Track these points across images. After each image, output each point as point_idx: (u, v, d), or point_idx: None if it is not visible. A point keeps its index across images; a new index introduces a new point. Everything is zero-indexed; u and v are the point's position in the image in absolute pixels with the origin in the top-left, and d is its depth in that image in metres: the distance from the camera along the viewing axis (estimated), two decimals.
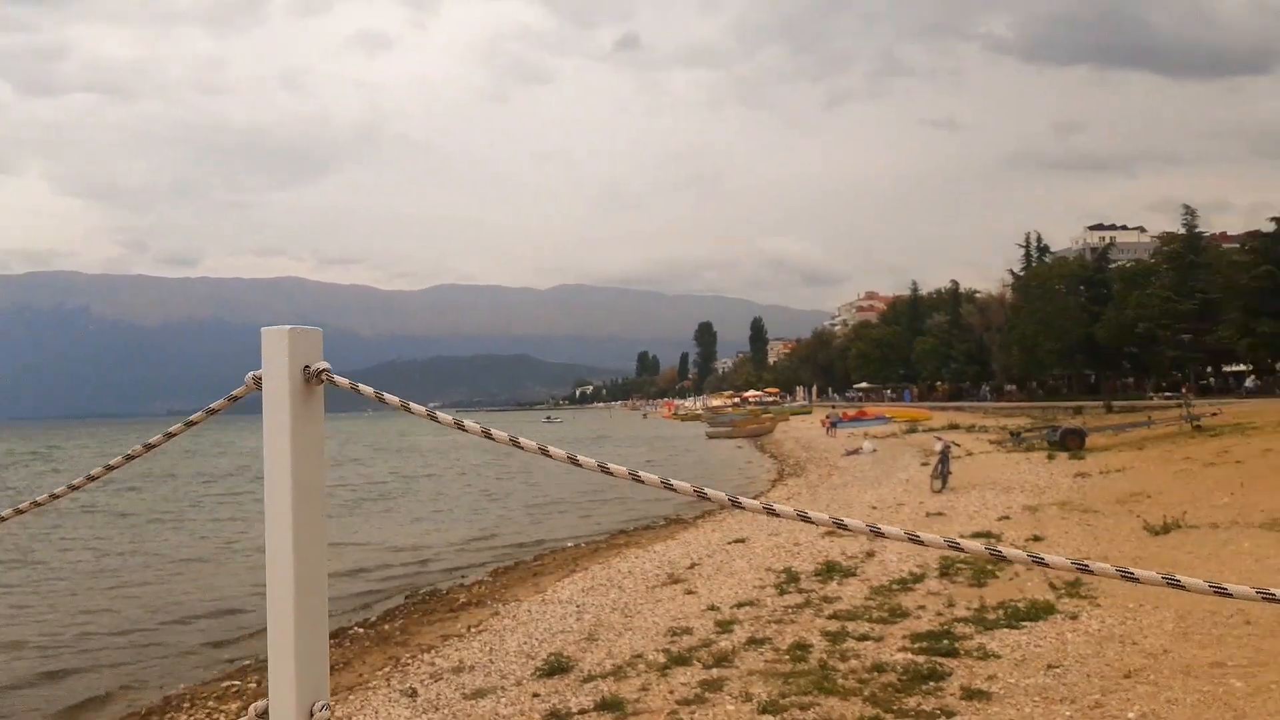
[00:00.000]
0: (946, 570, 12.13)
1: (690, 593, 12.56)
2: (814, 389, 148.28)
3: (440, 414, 1.63)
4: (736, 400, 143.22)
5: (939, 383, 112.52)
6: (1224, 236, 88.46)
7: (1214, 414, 35.08)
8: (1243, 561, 11.31)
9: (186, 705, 10.49)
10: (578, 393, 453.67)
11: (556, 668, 9.24)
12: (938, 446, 24.26)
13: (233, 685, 11.09)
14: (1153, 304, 69.87)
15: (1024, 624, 9.19)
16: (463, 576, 17.91)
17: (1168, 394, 65.13)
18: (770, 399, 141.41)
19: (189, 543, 24.10)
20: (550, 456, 1.52)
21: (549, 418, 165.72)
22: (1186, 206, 74.56)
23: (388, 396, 1.64)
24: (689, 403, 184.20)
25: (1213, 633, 8.24)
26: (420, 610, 14.64)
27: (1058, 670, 7.70)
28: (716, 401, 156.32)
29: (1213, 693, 6.73)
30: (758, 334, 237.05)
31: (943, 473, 23.25)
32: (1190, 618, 8.76)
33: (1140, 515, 15.31)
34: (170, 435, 1.80)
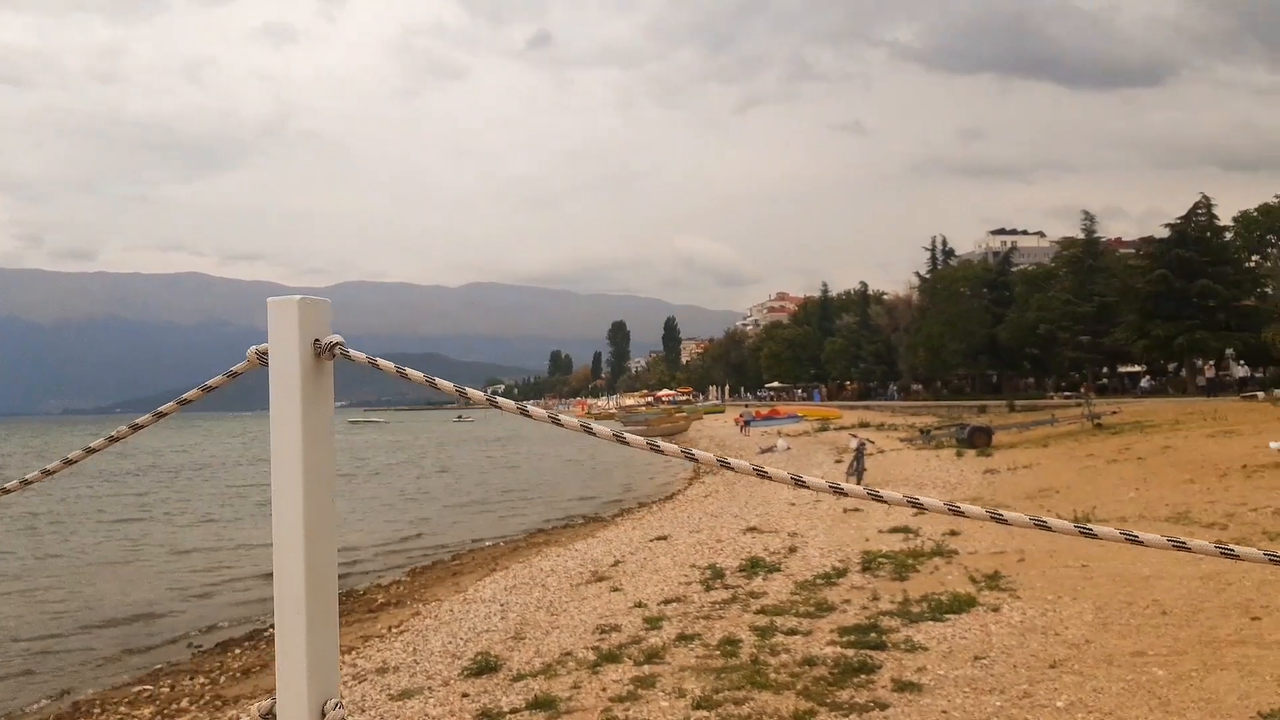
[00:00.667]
0: (869, 565, 12.28)
1: (616, 590, 12.49)
2: (726, 388, 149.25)
3: (472, 390, 1.55)
4: (650, 399, 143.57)
5: (848, 382, 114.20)
6: (1119, 242, 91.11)
7: (1114, 413, 36.26)
8: (1153, 553, 11.66)
9: (97, 711, 10.09)
10: (489, 391, 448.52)
11: (484, 667, 9.09)
12: (853, 444, 24.60)
13: (145, 690, 10.71)
14: (1053, 306, 71.91)
15: (948, 617, 9.33)
16: (379, 577, 17.59)
17: (1067, 393, 67.08)
18: (684, 398, 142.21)
19: (95, 545, 23.25)
20: (627, 444, 1.49)
21: (460, 417, 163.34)
22: (1086, 212, 76.35)
23: (410, 372, 1.56)
24: (603, 402, 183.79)
25: (1131, 623, 8.46)
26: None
27: (984, 661, 7.82)
28: (630, 400, 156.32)
29: (1136, 681, 6.90)
30: (671, 334, 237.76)
31: (858, 470, 23.57)
32: (1108, 608, 9.00)
33: (1051, 510, 15.74)
34: (160, 414, 1.67)
